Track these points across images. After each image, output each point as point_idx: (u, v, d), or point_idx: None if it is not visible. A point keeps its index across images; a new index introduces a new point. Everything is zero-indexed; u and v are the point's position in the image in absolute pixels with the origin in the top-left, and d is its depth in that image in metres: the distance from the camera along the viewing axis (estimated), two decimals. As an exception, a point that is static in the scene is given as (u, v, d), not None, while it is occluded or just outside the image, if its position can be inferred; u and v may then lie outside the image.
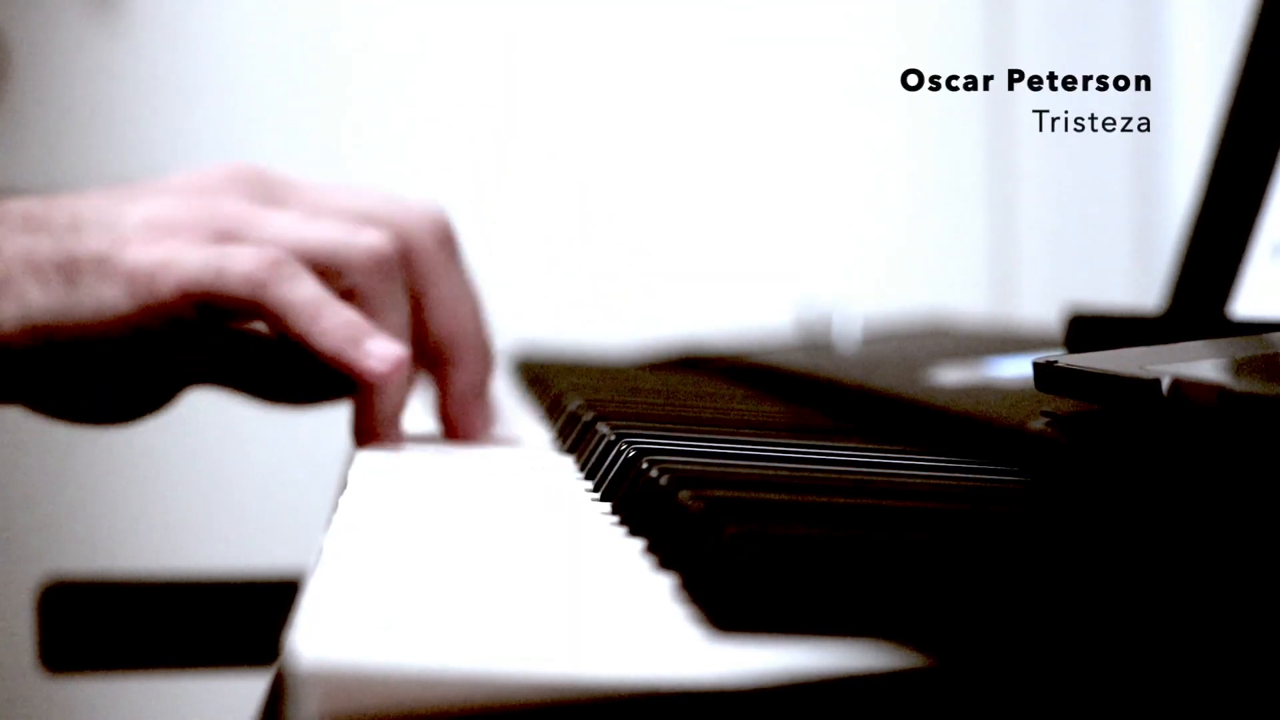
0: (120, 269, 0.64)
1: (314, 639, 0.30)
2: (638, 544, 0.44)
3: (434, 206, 0.69)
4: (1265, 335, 0.55)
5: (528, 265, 1.66)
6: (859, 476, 0.51)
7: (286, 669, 0.31)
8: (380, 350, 0.63)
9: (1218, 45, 1.39)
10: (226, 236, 0.65)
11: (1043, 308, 1.50)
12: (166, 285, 0.64)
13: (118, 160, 1.62)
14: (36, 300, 0.64)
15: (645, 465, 0.48)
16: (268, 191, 0.68)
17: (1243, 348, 0.52)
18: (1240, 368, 0.49)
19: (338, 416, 0.69)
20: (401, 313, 0.66)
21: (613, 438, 0.55)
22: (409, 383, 0.65)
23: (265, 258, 0.63)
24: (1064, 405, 0.54)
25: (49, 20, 1.62)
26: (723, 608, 0.33)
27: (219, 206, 0.66)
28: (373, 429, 0.64)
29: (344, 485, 0.54)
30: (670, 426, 0.61)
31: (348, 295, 0.65)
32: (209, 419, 1.58)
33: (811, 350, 1.10)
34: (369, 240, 0.65)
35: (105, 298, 0.65)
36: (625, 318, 1.64)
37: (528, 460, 0.64)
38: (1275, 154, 0.65)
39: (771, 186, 1.72)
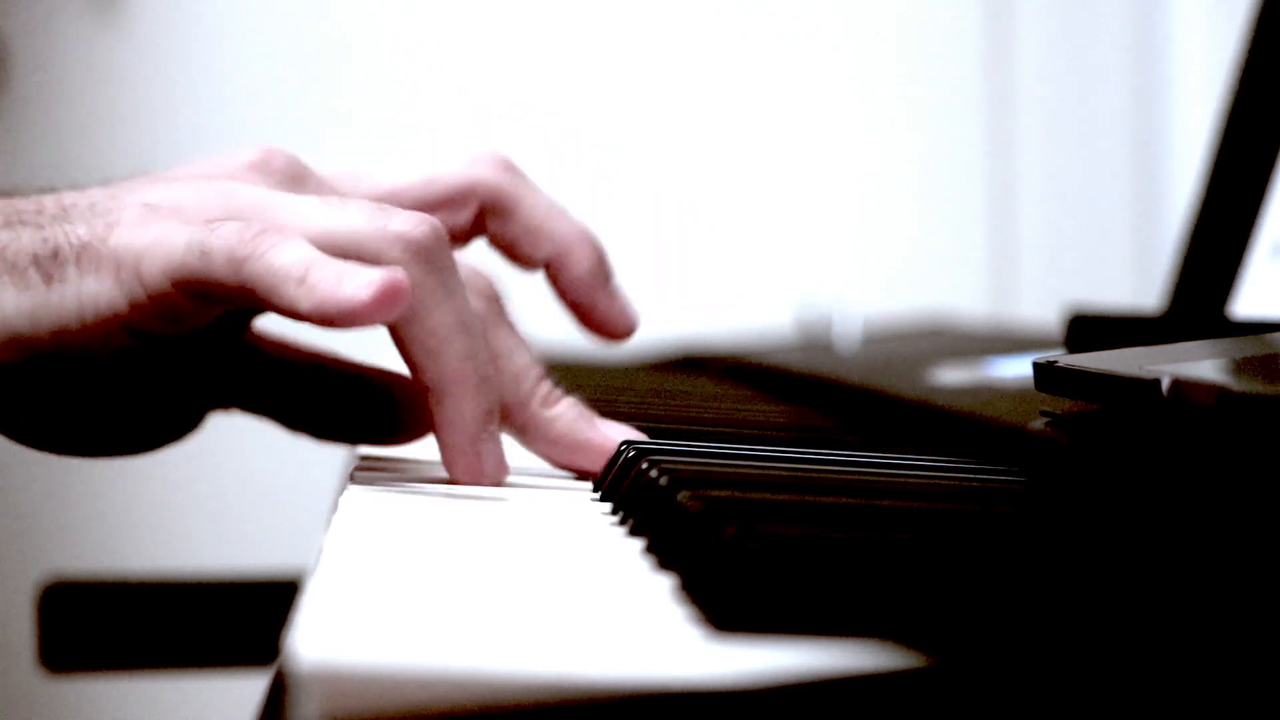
0: (105, 256, 0.54)
1: (314, 639, 0.30)
2: (637, 544, 0.44)
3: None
4: (1265, 335, 0.55)
5: (528, 265, 1.66)
6: (859, 476, 0.51)
7: (286, 669, 0.31)
8: (365, 277, 0.51)
9: (1218, 45, 1.39)
10: (237, 219, 0.55)
11: (1043, 308, 1.50)
12: (153, 272, 0.53)
13: (118, 160, 1.61)
14: (9, 302, 0.54)
15: (645, 466, 0.48)
16: (295, 181, 0.59)
17: (1243, 348, 0.52)
18: (1240, 368, 0.49)
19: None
20: (455, 306, 0.54)
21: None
22: (485, 384, 0.54)
23: (247, 229, 0.53)
24: (1064, 405, 0.54)
25: (49, 20, 1.62)
26: (722, 608, 0.33)
27: (233, 191, 0.56)
28: (449, 448, 0.54)
29: (344, 485, 0.54)
30: (670, 427, 0.61)
31: None
32: (208, 419, 1.58)
33: (811, 350, 1.10)
34: (403, 224, 0.54)
35: (89, 292, 0.54)
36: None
37: (527, 461, 0.64)
38: (1275, 154, 0.65)
39: (771, 187, 1.72)
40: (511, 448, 0.56)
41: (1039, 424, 0.54)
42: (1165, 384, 0.44)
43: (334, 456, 0.87)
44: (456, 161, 0.63)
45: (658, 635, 0.33)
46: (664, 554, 0.41)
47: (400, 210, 0.55)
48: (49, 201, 0.56)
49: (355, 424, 0.62)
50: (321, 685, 0.28)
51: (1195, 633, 0.31)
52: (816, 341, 1.17)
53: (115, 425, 0.61)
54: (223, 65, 1.66)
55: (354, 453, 0.64)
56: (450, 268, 0.54)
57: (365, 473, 0.56)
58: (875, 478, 0.51)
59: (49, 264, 0.54)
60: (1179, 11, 1.66)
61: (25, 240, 0.55)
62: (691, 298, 1.67)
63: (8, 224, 0.56)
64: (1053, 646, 0.31)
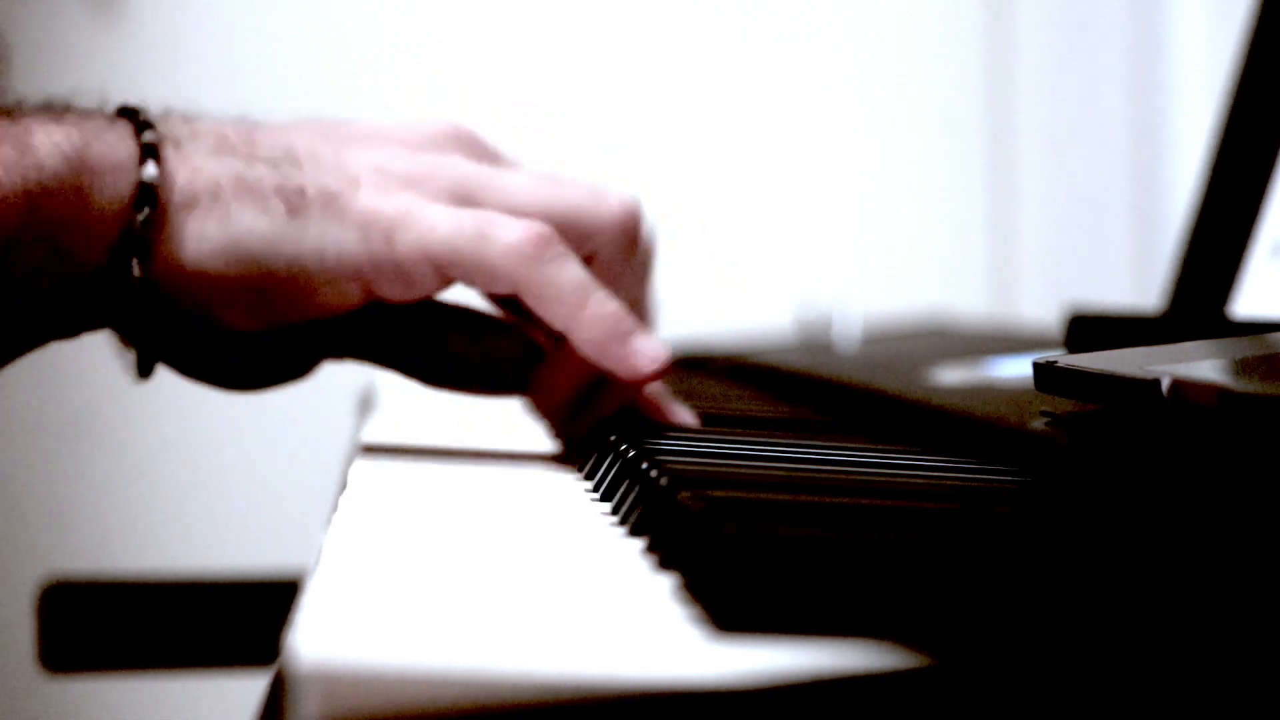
0: (354, 211, 0.55)
1: (314, 639, 0.30)
2: (638, 544, 0.44)
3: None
4: (1265, 335, 0.55)
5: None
6: (859, 476, 0.51)
7: (286, 669, 0.31)
8: (647, 349, 0.57)
9: (1218, 45, 1.39)
10: (464, 198, 0.58)
11: (1043, 308, 1.50)
12: (407, 242, 0.55)
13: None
14: (250, 224, 0.55)
15: (645, 465, 0.48)
16: (488, 158, 0.61)
17: (1243, 348, 0.52)
18: (1240, 368, 0.49)
19: (338, 416, 0.69)
20: (642, 287, 0.61)
21: (613, 438, 0.55)
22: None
23: (532, 230, 0.55)
24: (1064, 405, 0.54)
25: (49, 20, 1.62)
26: (723, 607, 0.33)
27: (451, 164, 0.59)
28: (605, 358, 0.58)
29: (344, 485, 0.54)
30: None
31: (586, 263, 0.58)
32: (208, 419, 1.58)
33: (811, 350, 1.10)
34: (617, 203, 0.59)
35: (333, 238, 0.55)
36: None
37: (528, 461, 0.64)
38: (1275, 154, 0.65)
39: (771, 187, 1.72)
40: (512, 449, 0.56)
41: (1039, 424, 0.54)
42: (1165, 384, 0.44)
43: (334, 457, 0.87)
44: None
45: (658, 635, 0.33)
46: (664, 554, 0.41)
47: (608, 189, 0.59)
48: (263, 137, 0.58)
49: (473, 373, 0.62)
50: (321, 685, 0.28)
51: (1195, 633, 0.31)
52: (816, 341, 1.17)
53: (239, 361, 0.61)
54: (223, 65, 1.66)
55: (354, 452, 0.64)
56: (645, 252, 0.61)
57: (365, 472, 0.56)
58: (875, 477, 0.51)
59: (295, 199, 0.55)
60: (1179, 11, 1.66)
61: (262, 172, 0.56)
62: (691, 297, 1.67)
63: (224, 148, 0.57)
64: (1053, 646, 0.31)
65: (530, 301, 0.56)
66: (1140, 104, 1.70)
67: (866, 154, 1.73)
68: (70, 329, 0.59)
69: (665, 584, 0.38)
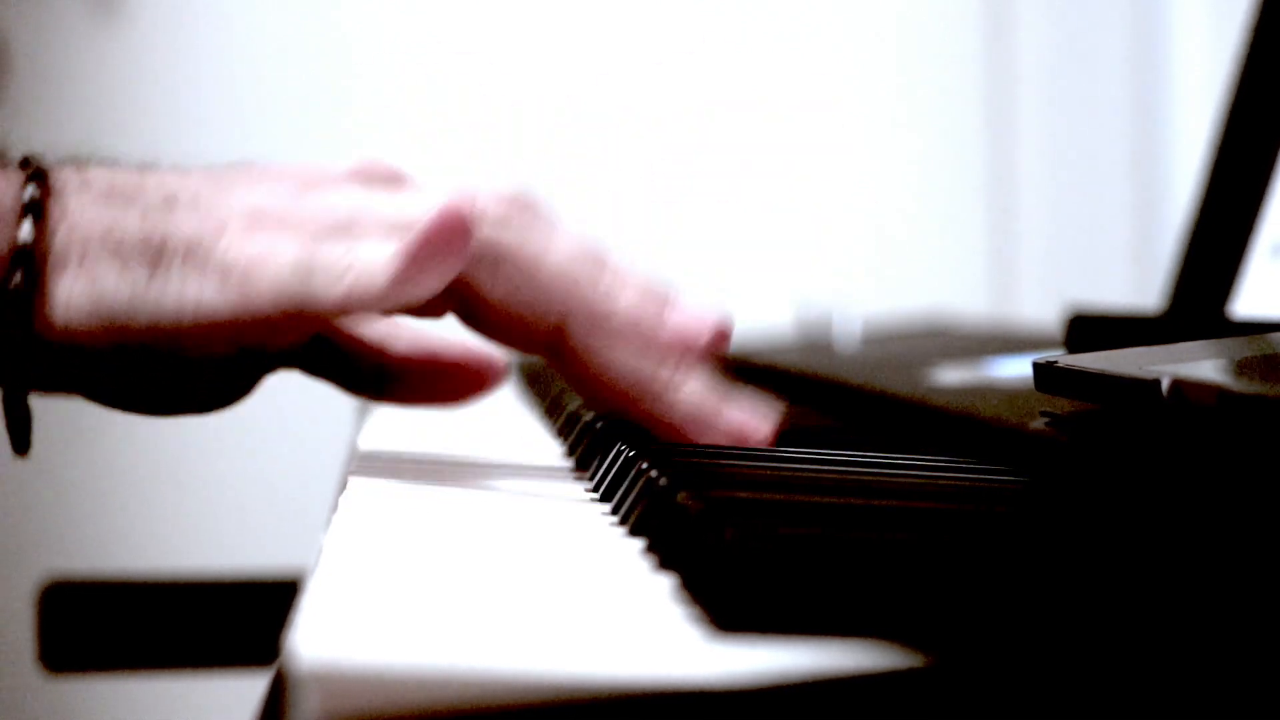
0: (214, 260, 0.53)
1: (314, 639, 0.30)
2: (637, 544, 0.44)
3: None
4: (1265, 335, 0.55)
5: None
6: (859, 476, 0.51)
7: (286, 669, 0.31)
8: (497, 375, 0.60)
9: (1218, 45, 1.39)
10: (348, 233, 0.54)
11: (1043, 308, 1.50)
12: (260, 290, 0.52)
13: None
14: (112, 284, 0.53)
15: (645, 465, 0.48)
16: (396, 187, 0.58)
17: (1243, 348, 0.52)
18: (1240, 368, 0.49)
19: (338, 416, 0.69)
20: (549, 237, 0.57)
21: (613, 438, 0.55)
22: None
23: (345, 257, 0.52)
24: (1064, 405, 0.54)
25: (49, 20, 1.62)
26: (723, 608, 0.33)
27: (339, 198, 0.56)
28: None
29: (344, 485, 0.54)
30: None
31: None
32: (208, 419, 1.58)
33: (811, 350, 1.10)
34: (490, 189, 0.56)
35: (192, 294, 0.53)
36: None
37: (527, 461, 0.64)
38: (1275, 154, 0.65)
39: (771, 187, 1.72)
40: (511, 448, 0.56)
41: (1039, 424, 0.54)
42: (1165, 384, 0.44)
43: (334, 457, 0.87)
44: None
45: (658, 635, 0.33)
46: (664, 554, 0.41)
47: (480, 189, 0.56)
48: (151, 183, 0.55)
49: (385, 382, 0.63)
50: (321, 685, 0.28)
51: (1195, 632, 0.31)
52: (816, 341, 1.17)
53: (176, 390, 0.60)
54: (223, 65, 1.66)
55: (354, 452, 0.64)
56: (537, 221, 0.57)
57: (365, 472, 0.56)
58: (875, 477, 0.51)
59: (155, 255, 0.53)
60: (1179, 11, 1.66)
61: (130, 224, 0.54)
62: (691, 297, 1.67)
63: (109, 198, 0.55)
64: (1053, 646, 0.31)
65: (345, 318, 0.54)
66: (1140, 104, 1.71)
67: (867, 154, 1.73)
68: None
69: (665, 584, 0.38)
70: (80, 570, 1.02)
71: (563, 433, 0.68)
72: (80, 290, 0.53)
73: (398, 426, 0.72)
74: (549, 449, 0.67)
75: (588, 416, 0.63)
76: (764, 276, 1.69)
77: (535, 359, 0.60)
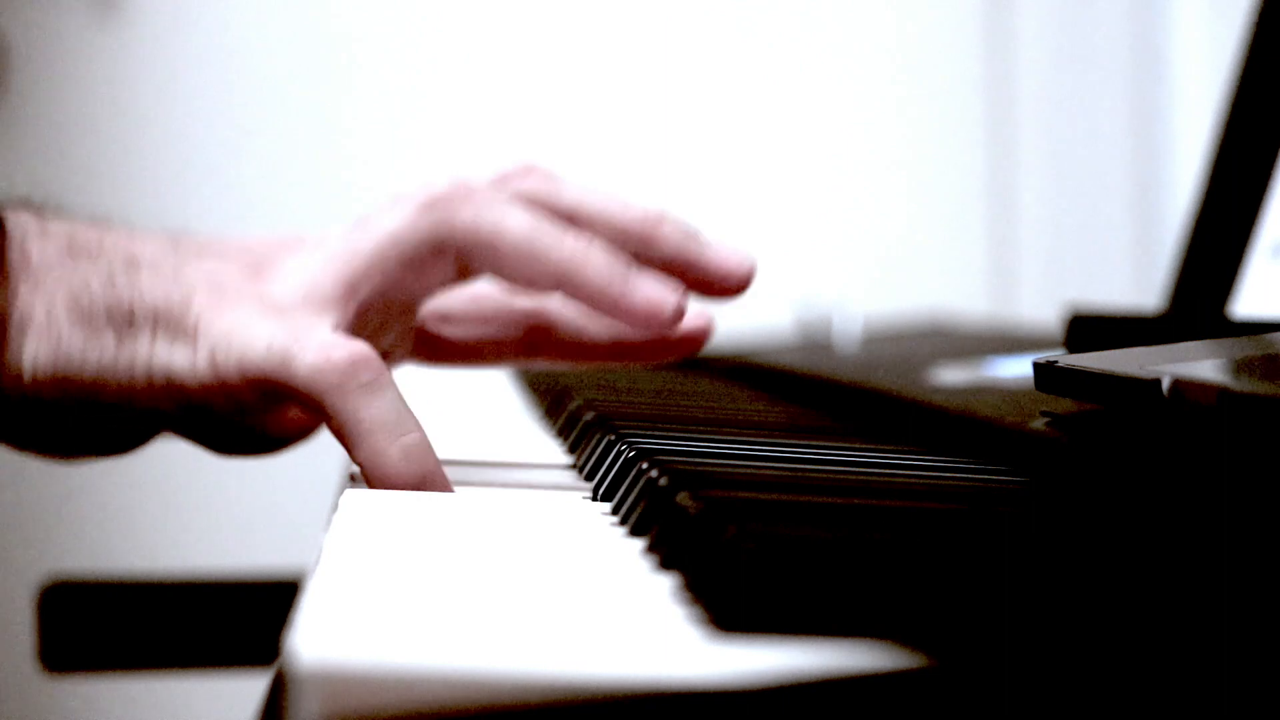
0: (183, 330, 0.53)
1: (314, 639, 0.30)
2: (638, 544, 0.44)
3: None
4: (1265, 335, 0.55)
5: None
6: (859, 476, 0.51)
7: (286, 669, 0.31)
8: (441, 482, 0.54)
9: (1218, 45, 1.39)
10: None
11: (1043, 308, 1.50)
12: (227, 364, 0.52)
13: (117, 161, 1.62)
14: (79, 350, 0.53)
15: (645, 465, 0.48)
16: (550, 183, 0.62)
17: (1243, 348, 0.52)
18: (1240, 368, 0.49)
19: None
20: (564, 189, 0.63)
21: (612, 438, 0.55)
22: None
23: (342, 352, 0.52)
24: (1064, 405, 0.54)
25: (49, 20, 1.62)
26: (723, 608, 0.33)
27: (276, 287, 0.56)
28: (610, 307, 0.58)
29: (344, 485, 0.54)
30: (670, 426, 0.61)
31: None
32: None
33: (811, 350, 1.10)
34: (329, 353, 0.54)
35: (161, 362, 0.53)
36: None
37: (528, 461, 0.64)
38: (1275, 154, 0.65)
39: (771, 187, 1.72)
40: (512, 449, 0.56)
41: (1039, 424, 0.54)
42: (1165, 384, 0.44)
43: (334, 457, 0.87)
44: (407, 214, 0.58)
45: (658, 635, 0.33)
46: (664, 554, 0.41)
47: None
48: (108, 242, 0.55)
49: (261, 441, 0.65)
50: (321, 685, 0.28)
51: (1195, 632, 0.31)
52: (816, 341, 1.17)
53: (88, 436, 0.60)
54: (223, 65, 1.66)
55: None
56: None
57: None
58: (875, 477, 0.51)
59: (124, 320, 0.53)
60: (1179, 11, 1.66)
61: (96, 287, 0.54)
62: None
63: (72, 254, 0.54)
64: (1052, 646, 0.31)
65: (332, 430, 0.52)
66: (1140, 104, 1.70)
67: (866, 154, 1.73)
68: None
69: (666, 584, 0.38)
70: (80, 570, 1.02)
71: (563, 433, 0.68)
72: (45, 353, 0.53)
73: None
74: (549, 449, 0.67)
75: (588, 416, 0.63)
76: (764, 276, 1.69)
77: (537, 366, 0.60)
